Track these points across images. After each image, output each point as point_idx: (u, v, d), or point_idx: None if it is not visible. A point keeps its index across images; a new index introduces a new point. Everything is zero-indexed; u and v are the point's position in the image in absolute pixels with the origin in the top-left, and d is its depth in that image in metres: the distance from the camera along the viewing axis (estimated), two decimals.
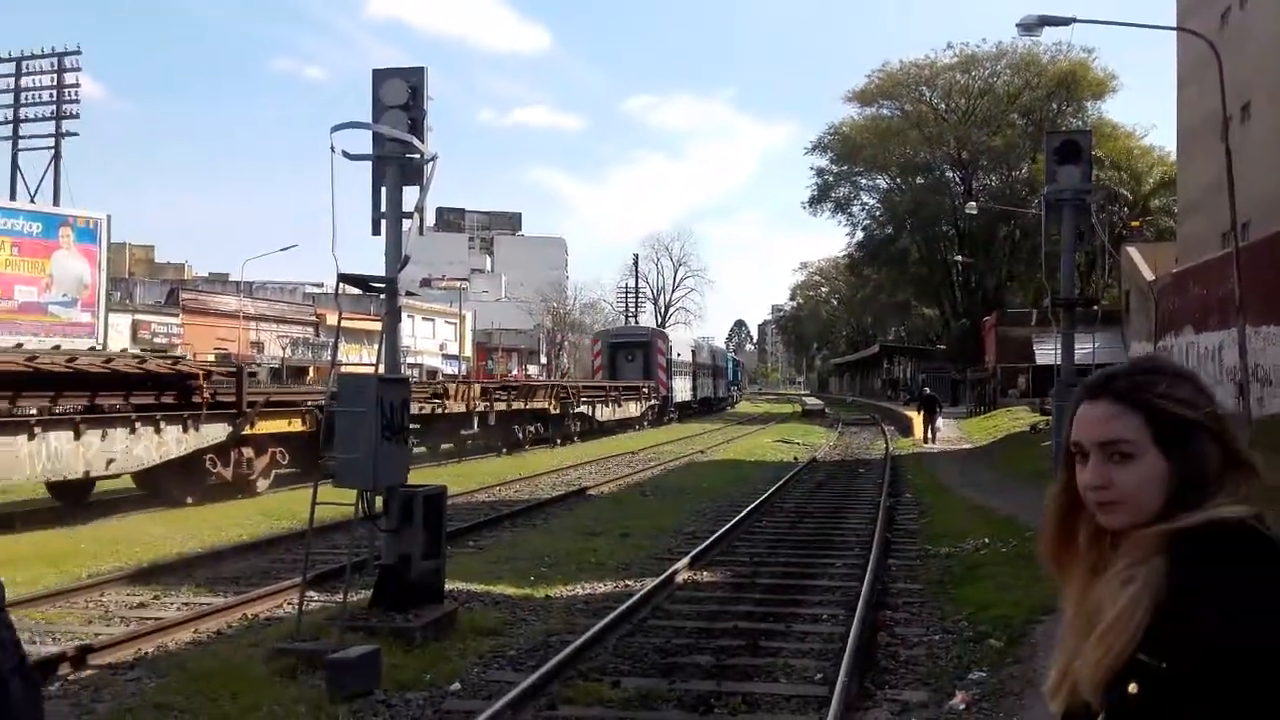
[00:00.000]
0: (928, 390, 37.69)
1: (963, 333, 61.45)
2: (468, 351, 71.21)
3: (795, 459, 28.74)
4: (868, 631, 8.79)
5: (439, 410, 25.13)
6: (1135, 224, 54.77)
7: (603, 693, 7.36)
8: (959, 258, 61.33)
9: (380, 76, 8.55)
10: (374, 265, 9.10)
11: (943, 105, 63.85)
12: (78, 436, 15.23)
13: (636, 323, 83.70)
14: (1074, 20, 20.23)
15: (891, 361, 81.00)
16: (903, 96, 63.89)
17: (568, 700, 7.20)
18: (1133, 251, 41.84)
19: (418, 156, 8.55)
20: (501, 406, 28.84)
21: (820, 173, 69.69)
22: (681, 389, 53.41)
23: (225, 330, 46.63)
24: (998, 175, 63.46)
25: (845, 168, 68.65)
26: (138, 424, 16.27)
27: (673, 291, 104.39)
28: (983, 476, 22.12)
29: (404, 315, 9.91)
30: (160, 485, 17.38)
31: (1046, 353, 39.19)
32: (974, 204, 50.54)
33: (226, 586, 11.13)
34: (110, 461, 15.86)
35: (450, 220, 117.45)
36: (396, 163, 8.53)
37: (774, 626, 9.29)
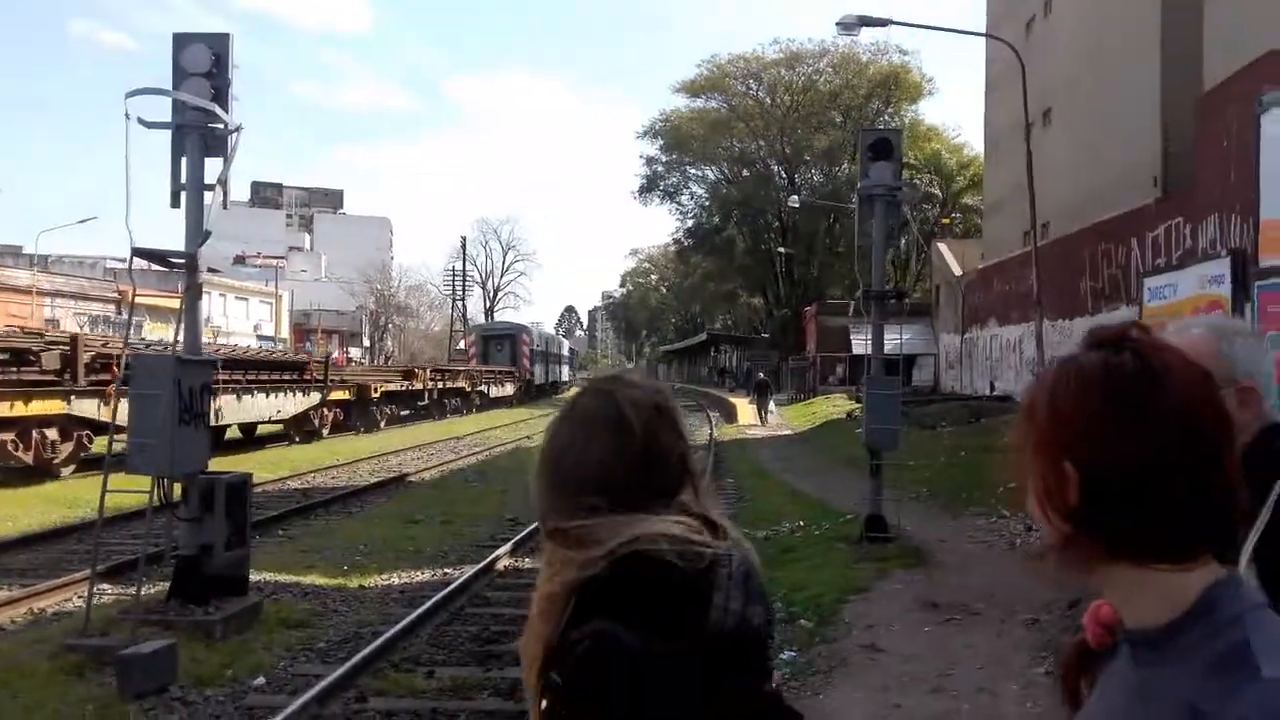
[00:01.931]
0: (761, 375, 41.37)
1: (785, 322, 63.24)
2: (284, 332, 68.77)
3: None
4: None
5: (408, 387, 36.10)
6: (945, 221, 57.54)
7: (415, 684, 7.18)
8: (782, 249, 63.03)
9: (181, 41, 8.04)
10: (181, 240, 8.60)
11: (768, 100, 65.36)
12: (267, 396, 24.63)
13: (465, 306, 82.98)
14: (890, 22, 21.03)
15: (719, 349, 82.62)
16: (730, 90, 65.07)
17: (378, 692, 6.99)
18: (942, 247, 43.93)
19: (221, 126, 8.09)
20: (440, 385, 39.98)
21: (650, 161, 70.40)
22: (539, 373, 64.72)
23: (17, 306, 43.56)
24: (820, 171, 65.48)
25: (675, 157, 69.50)
26: (282, 390, 25.59)
27: (502, 275, 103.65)
28: (802, 462, 22.78)
29: (216, 294, 9.40)
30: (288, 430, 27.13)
31: (862, 342, 40.72)
32: (796, 198, 52.03)
33: (11, 579, 10.36)
34: (279, 410, 25.66)
35: (267, 196, 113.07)
36: (198, 132, 8.05)
37: None
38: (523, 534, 12.70)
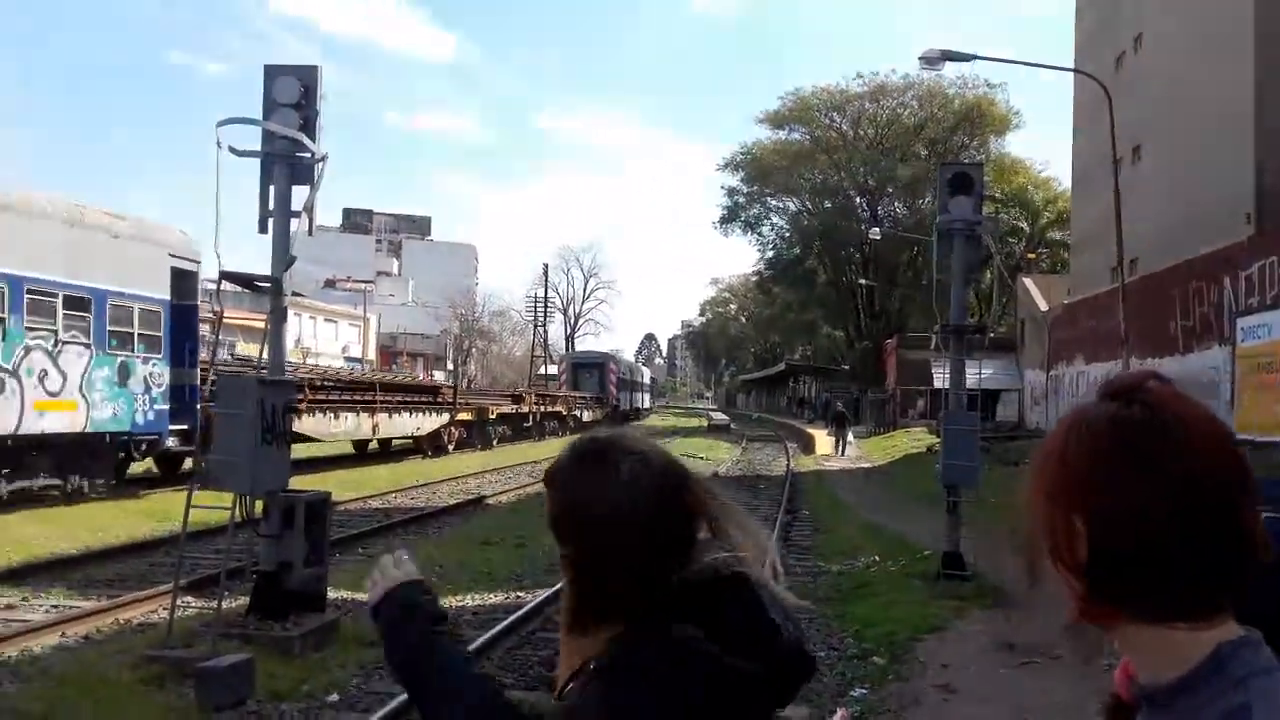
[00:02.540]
0: (839, 406, 42.03)
1: (865, 354, 62.62)
2: (371, 354, 70.11)
3: (681, 459, 28.80)
4: None
5: (517, 410, 40.83)
6: (1031, 256, 56.52)
7: None
8: (863, 281, 62.51)
9: (272, 73, 8.34)
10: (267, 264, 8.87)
11: (851, 132, 65.06)
12: (410, 415, 29.46)
13: (545, 332, 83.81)
14: (975, 57, 20.86)
15: (797, 380, 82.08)
16: (813, 121, 64.91)
17: None
18: (1028, 282, 43.16)
19: (308, 155, 8.36)
20: (542, 409, 44.73)
21: (731, 192, 70.45)
22: (623, 400, 67.88)
23: None
24: (902, 203, 64.88)
25: (756, 188, 69.44)
26: (420, 411, 30.16)
27: (583, 302, 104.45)
28: (879, 495, 22.50)
29: (306, 316, 9.65)
30: (420, 445, 31.02)
31: (942, 376, 40.18)
32: (878, 230, 51.63)
33: (100, 590, 10.72)
34: (418, 428, 30.26)
35: (357, 222, 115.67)
36: (286, 161, 8.32)
37: None
38: None
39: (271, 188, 8.54)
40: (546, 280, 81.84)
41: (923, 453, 31.40)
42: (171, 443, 18.29)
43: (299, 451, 18.54)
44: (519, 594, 11.20)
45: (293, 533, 8.42)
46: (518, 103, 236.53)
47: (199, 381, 18.04)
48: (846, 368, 68.69)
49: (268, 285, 8.50)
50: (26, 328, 15.30)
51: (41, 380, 15.57)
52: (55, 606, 9.95)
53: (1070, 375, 33.23)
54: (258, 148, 8.52)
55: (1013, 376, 41.80)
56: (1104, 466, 1.04)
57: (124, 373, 17.14)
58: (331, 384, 26.17)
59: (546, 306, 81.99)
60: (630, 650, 1.42)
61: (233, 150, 8.32)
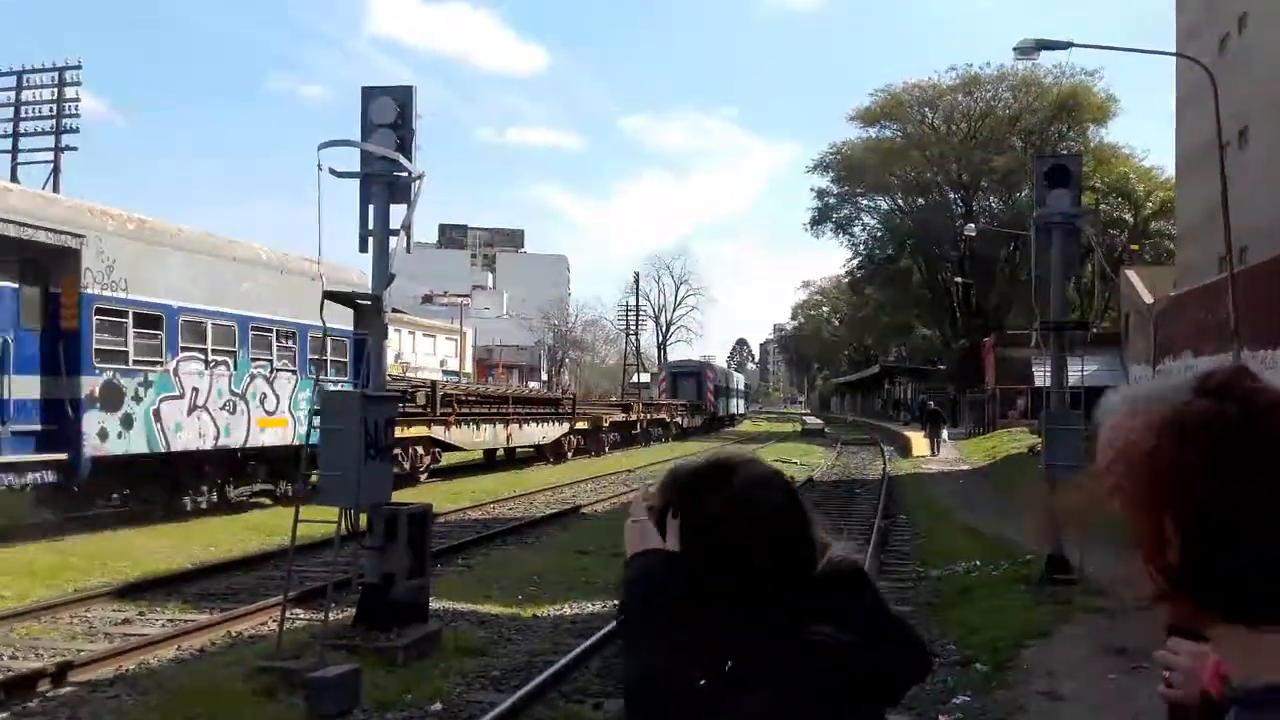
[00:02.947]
0: (931, 404, 42.99)
1: (962, 354, 61.40)
2: (468, 368, 71.20)
3: (793, 479, 28.54)
4: None
5: (626, 419, 44.28)
6: (1134, 247, 54.87)
7: (584, 715, 7.32)
8: (959, 279, 61.35)
9: (369, 95, 8.56)
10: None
11: (944, 127, 63.94)
12: (537, 425, 32.50)
13: (638, 341, 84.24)
14: (1071, 45, 20.32)
15: (892, 382, 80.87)
16: (905, 118, 63.98)
17: None
18: (1131, 274, 41.90)
19: (405, 175, 8.56)
20: (648, 417, 48.36)
21: (821, 194, 69.76)
22: (720, 406, 70.25)
23: None
24: (998, 197, 63.49)
25: (846, 189, 68.68)
26: (544, 421, 33.11)
27: (674, 310, 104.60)
28: (979, 498, 22.06)
29: (405, 331, 9.87)
30: (544, 453, 34.01)
31: (1043, 374, 39.31)
32: (973, 226, 50.62)
33: (212, 603, 11.09)
34: (544, 436, 33.26)
35: (452, 237, 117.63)
36: (384, 181, 8.54)
37: None
38: None
39: (370, 207, 8.78)
40: (637, 288, 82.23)
41: (1024, 453, 30.66)
42: None
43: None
44: (616, 603, 11.25)
45: (396, 545, 8.61)
46: (606, 112, 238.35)
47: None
48: (943, 368, 67.44)
49: (369, 303, 8.73)
50: (251, 359, 18.66)
51: (261, 402, 18.94)
52: (171, 620, 10.32)
53: (1178, 370, 32.08)
54: (356, 168, 8.77)
55: (1117, 373, 40.56)
56: (1200, 469, 1.01)
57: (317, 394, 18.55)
58: (475, 399, 29.57)
59: (638, 315, 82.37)
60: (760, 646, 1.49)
61: (333, 172, 8.57)
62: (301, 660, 7.88)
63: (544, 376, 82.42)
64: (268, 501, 19.18)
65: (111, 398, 15.47)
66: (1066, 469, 11.02)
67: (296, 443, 18.21)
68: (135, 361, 16.09)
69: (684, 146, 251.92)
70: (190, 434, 17.24)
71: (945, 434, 39.63)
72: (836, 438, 54.92)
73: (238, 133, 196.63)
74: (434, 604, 9.98)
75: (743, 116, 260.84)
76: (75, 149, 46.40)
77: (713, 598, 1.57)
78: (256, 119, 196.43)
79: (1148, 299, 37.42)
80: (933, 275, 66.37)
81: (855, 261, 73.72)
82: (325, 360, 18.20)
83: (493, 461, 31.87)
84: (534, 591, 11.87)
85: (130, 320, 15.96)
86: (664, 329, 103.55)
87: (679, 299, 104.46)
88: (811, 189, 70.66)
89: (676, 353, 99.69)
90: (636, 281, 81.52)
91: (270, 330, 19.14)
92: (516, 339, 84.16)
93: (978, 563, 13.25)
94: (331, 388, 18.58)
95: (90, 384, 15.07)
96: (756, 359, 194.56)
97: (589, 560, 14.10)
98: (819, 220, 70.48)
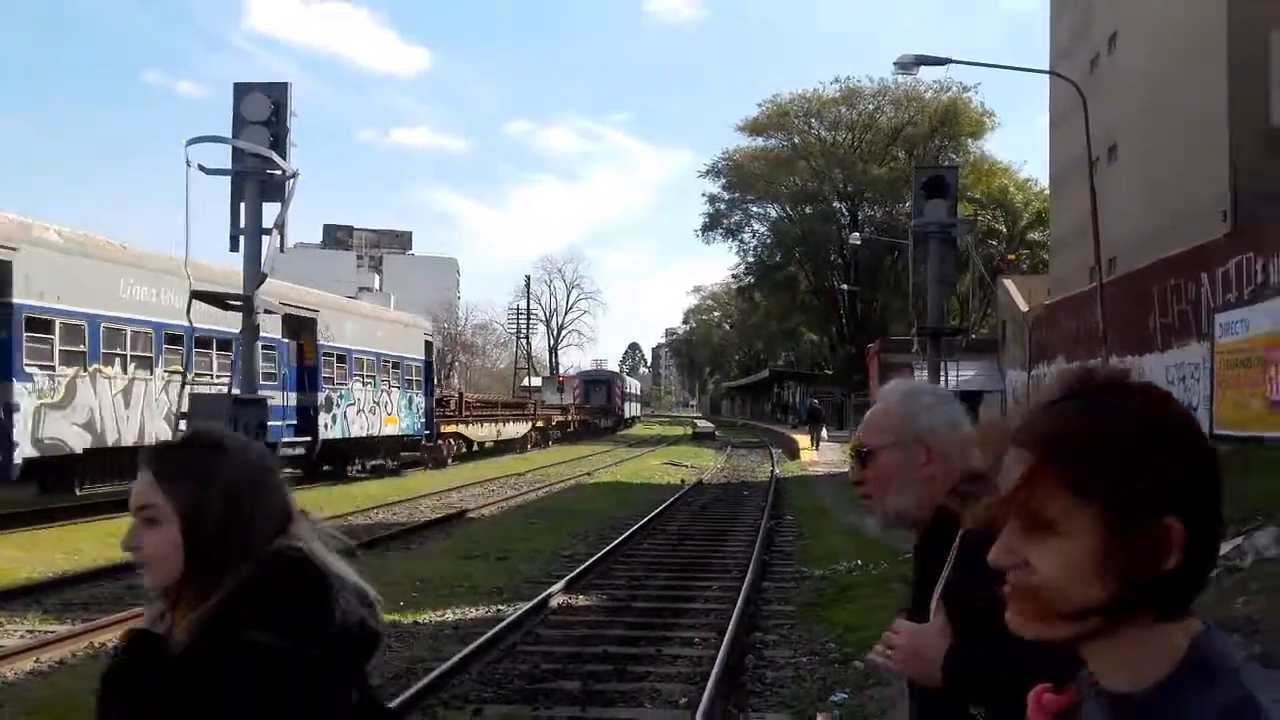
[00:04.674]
0: (814, 402, 47.48)
1: (848, 358, 62.71)
2: None
3: (683, 481, 28.78)
4: (736, 655, 8.80)
5: (564, 419, 56.74)
6: (1011, 257, 56.75)
7: None
8: (845, 286, 62.61)
9: (241, 90, 8.26)
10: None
11: (830, 138, 65.26)
12: (510, 424, 43.67)
13: (529, 344, 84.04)
14: (950, 61, 20.86)
15: (781, 386, 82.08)
16: (791, 128, 65.10)
17: None
18: (1008, 283, 43.33)
19: (279, 173, 8.30)
20: (578, 419, 61.85)
21: (712, 200, 70.57)
22: (630, 410, 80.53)
23: None
24: (882, 207, 65.09)
25: (737, 195, 69.60)
26: (510, 421, 43.96)
27: (565, 313, 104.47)
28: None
29: None
30: (509, 447, 42.80)
31: (926, 379, 40.36)
32: (858, 235, 51.76)
33: (75, 614, 10.60)
34: (517, 432, 44.22)
35: (338, 238, 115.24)
36: (256, 179, 8.26)
37: (645, 650, 9.23)
38: (577, 571, 12.71)
39: (242, 205, 8.49)
40: (529, 292, 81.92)
41: None
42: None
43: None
44: (500, 607, 11.14)
45: None
46: (493, 116, 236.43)
47: (435, 405, 34.26)
48: (830, 373, 68.77)
49: (239, 304, 8.45)
50: (380, 380, 29.68)
51: (384, 407, 29.71)
52: (30, 631, 9.85)
53: (1051, 375, 33.32)
54: (228, 165, 8.48)
55: (994, 377, 41.88)
56: (1196, 464, 0.98)
57: (411, 402, 31.91)
58: (480, 404, 43.23)
59: (529, 318, 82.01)
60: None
61: (203, 169, 8.27)
62: None
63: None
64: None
65: (328, 405, 26.13)
66: None
67: (401, 433, 31.14)
68: (335, 383, 26.74)
69: (574, 151, 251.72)
70: (358, 426, 27.95)
71: (825, 432, 42.75)
72: (727, 440, 55.47)
73: (110, 127, 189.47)
74: None
75: (631, 123, 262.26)
76: None
77: None
78: (129, 114, 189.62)
79: (1024, 306, 38.74)
80: (820, 282, 67.66)
81: (744, 267, 74.76)
82: (413, 380, 31.85)
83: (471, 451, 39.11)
84: (415, 598, 11.64)
85: (334, 358, 26.85)
86: (555, 332, 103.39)
87: (570, 303, 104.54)
88: (703, 194, 71.63)
89: (568, 357, 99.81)
90: (528, 285, 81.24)
91: (389, 361, 30.31)
92: None
93: (858, 562, 13.49)
94: (416, 398, 32.01)
95: (321, 396, 25.63)
96: (649, 363, 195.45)
97: (474, 565, 13.93)
98: (710, 226, 71.30)
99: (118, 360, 17.67)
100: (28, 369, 15.48)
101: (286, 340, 24.15)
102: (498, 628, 9.56)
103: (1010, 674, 1.56)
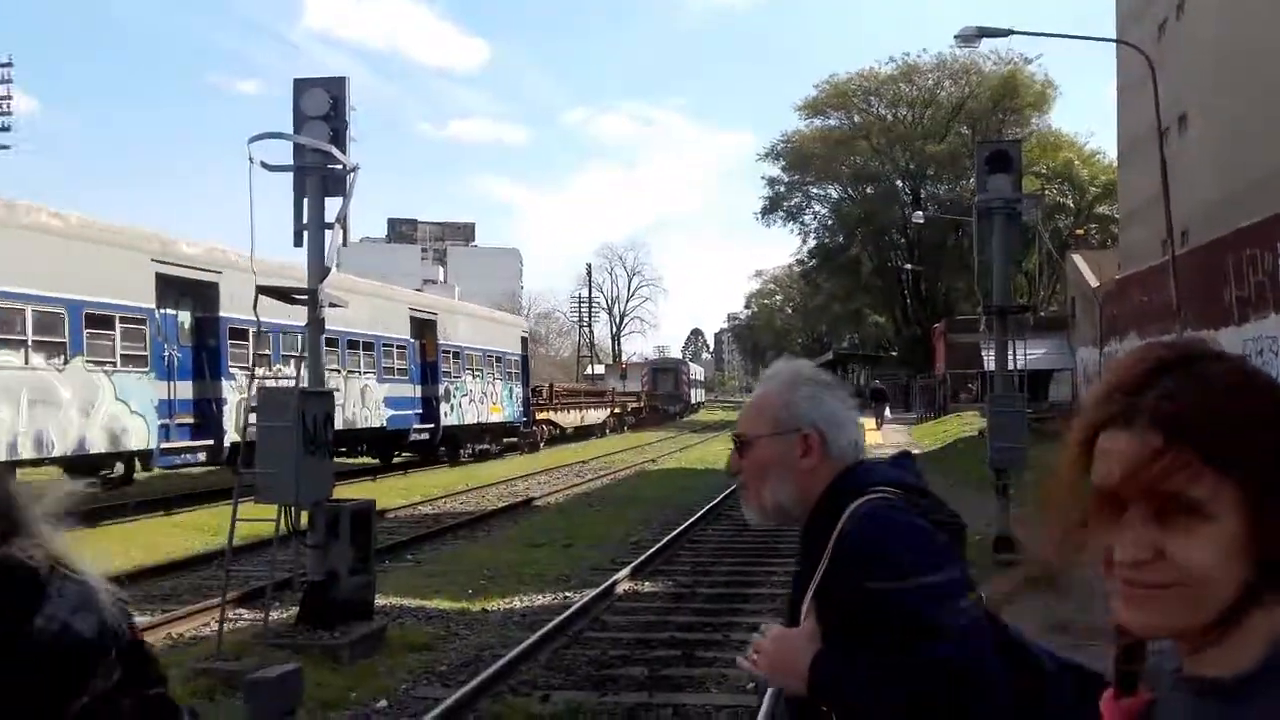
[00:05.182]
0: (877, 383, 49.01)
1: (914, 340, 61.98)
2: None
3: None
4: None
5: (637, 405, 61.01)
6: (1080, 232, 55.61)
7: (531, 707, 7.25)
8: (909, 266, 61.83)
9: (301, 86, 8.38)
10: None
11: (889, 116, 64.38)
12: (594, 410, 48.64)
13: (591, 332, 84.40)
14: (1011, 32, 20.50)
15: (845, 369, 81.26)
16: (850, 107, 64.30)
17: (496, 715, 7.08)
18: (1077, 259, 42.47)
19: (339, 167, 8.40)
20: (648, 405, 64.91)
21: (772, 182, 69.97)
22: (695, 396, 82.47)
23: None
24: (945, 184, 64.08)
25: (796, 177, 68.93)
26: (592, 408, 48.45)
27: (627, 301, 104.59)
28: (931, 480, 22.09)
29: None
30: (592, 430, 46.93)
31: (992, 358, 39.79)
32: (921, 214, 51.02)
33: (154, 605, 10.86)
34: (599, 419, 49.07)
35: (402, 232, 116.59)
36: (318, 174, 8.37)
37: (711, 636, 9.23)
38: (643, 557, 12.74)
39: (305, 200, 8.61)
40: (590, 281, 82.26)
41: (974, 436, 30.98)
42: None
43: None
44: (566, 594, 11.21)
45: (338, 542, 8.48)
46: (551, 105, 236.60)
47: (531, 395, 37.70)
48: (895, 354, 68.05)
49: (304, 298, 8.57)
50: (487, 373, 32.43)
51: (490, 397, 32.57)
52: None
53: (1123, 351, 32.64)
54: (290, 162, 8.59)
55: (1065, 355, 41.15)
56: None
57: (511, 392, 34.77)
58: (566, 394, 47.12)
59: (591, 306, 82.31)
60: None
61: (265, 165, 8.40)
62: (242, 661, 7.74)
63: None
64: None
65: (446, 396, 28.74)
66: (1012, 451, 11.11)
67: (504, 420, 33.90)
68: (451, 376, 29.41)
69: (632, 137, 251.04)
70: (470, 415, 30.67)
71: (888, 412, 44.01)
72: None
73: (178, 129, 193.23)
74: (381, 600, 9.86)
75: (690, 106, 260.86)
76: (7, 148, 45.61)
77: None
78: (194, 114, 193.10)
79: (1094, 282, 37.95)
80: (883, 262, 66.85)
81: (806, 250, 74.15)
82: (512, 372, 34.90)
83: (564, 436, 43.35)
84: (484, 585, 11.76)
85: (450, 354, 29.55)
86: (618, 320, 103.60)
87: (632, 290, 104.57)
88: (763, 177, 70.92)
89: (631, 344, 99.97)
90: (590, 273, 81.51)
91: (494, 356, 33.10)
92: None
93: None
94: (516, 388, 35.15)
95: (441, 388, 28.50)
96: (711, 348, 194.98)
97: (541, 553, 14.03)
98: (770, 209, 70.71)
99: (292, 362, 19.12)
100: (231, 370, 19.01)
101: (414, 340, 27.29)
102: (565, 614, 9.62)
103: (869, 690, 1.69)
